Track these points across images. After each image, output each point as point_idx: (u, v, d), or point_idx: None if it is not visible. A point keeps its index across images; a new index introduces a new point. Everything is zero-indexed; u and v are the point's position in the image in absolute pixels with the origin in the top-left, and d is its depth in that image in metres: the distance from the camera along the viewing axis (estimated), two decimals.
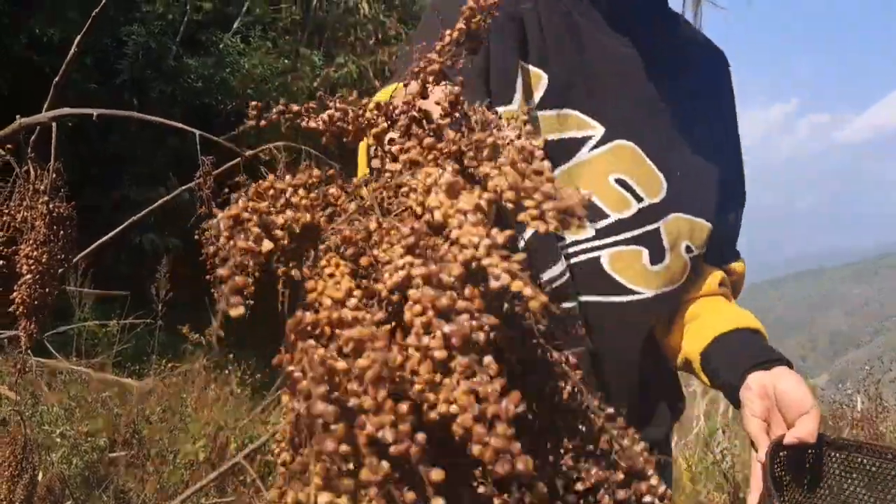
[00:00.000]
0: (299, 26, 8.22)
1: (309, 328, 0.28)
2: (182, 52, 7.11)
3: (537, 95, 0.86)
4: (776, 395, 0.81)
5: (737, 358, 0.88)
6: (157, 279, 4.07)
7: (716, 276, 0.98)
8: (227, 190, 1.02)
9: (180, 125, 1.02)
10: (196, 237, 1.08)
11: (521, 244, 0.85)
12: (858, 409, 3.50)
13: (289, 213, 0.32)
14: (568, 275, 0.85)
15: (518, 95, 0.84)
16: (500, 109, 0.82)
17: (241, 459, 2.30)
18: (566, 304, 0.86)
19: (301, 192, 0.34)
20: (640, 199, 0.89)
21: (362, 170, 0.74)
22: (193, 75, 7.04)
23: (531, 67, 0.87)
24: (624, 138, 0.89)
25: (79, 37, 0.96)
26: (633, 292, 0.89)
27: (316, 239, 0.33)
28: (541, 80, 0.87)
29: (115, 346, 3.81)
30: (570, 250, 0.88)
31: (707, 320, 0.94)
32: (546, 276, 0.84)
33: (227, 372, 4.01)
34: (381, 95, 0.72)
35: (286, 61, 7.67)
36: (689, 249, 0.91)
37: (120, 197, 5.90)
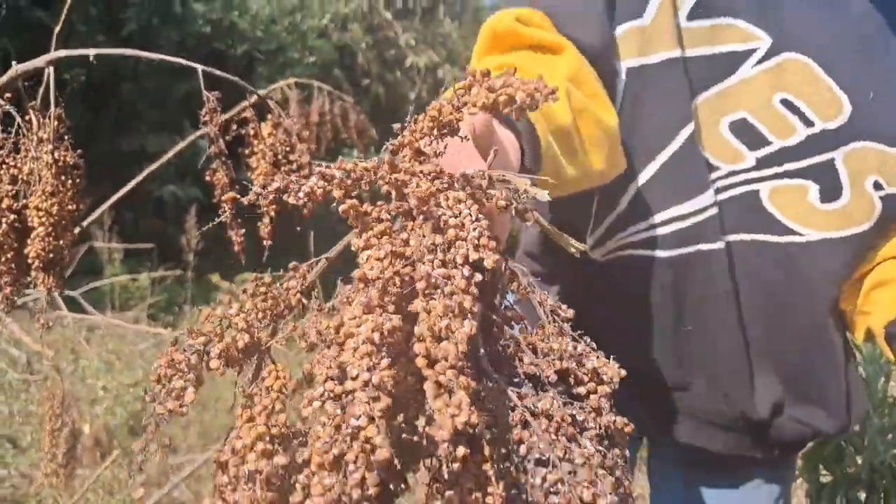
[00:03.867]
0: None
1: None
2: None
3: (688, 3, 0.74)
4: None
5: None
6: (186, 229, 4.08)
7: None
8: (234, 127, 0.97)
9: (185, 62, 0.96)
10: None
11: (655, 169, 0.75)
12: None
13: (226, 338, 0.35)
14: (716, 210, 0.75)
15: (652, 8, 0.73)
16: (627, 25, 0.72)
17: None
18: (708, 246, 0.76)
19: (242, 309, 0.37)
20: (809, 124, 0.76)
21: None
22: (201, 20, 6.89)
23: None
24: (795, 51, 0.75)
25: None
26: (791, 232, 0.77)
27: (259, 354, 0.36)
28: None
29: (147, 299, 3.86)
30: (727, 182, 0.77)
31: None
32: (689, 207, 0.74)
33: None
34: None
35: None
36: (878, 187, 0.76)
37: (136, 149, 5.89)
